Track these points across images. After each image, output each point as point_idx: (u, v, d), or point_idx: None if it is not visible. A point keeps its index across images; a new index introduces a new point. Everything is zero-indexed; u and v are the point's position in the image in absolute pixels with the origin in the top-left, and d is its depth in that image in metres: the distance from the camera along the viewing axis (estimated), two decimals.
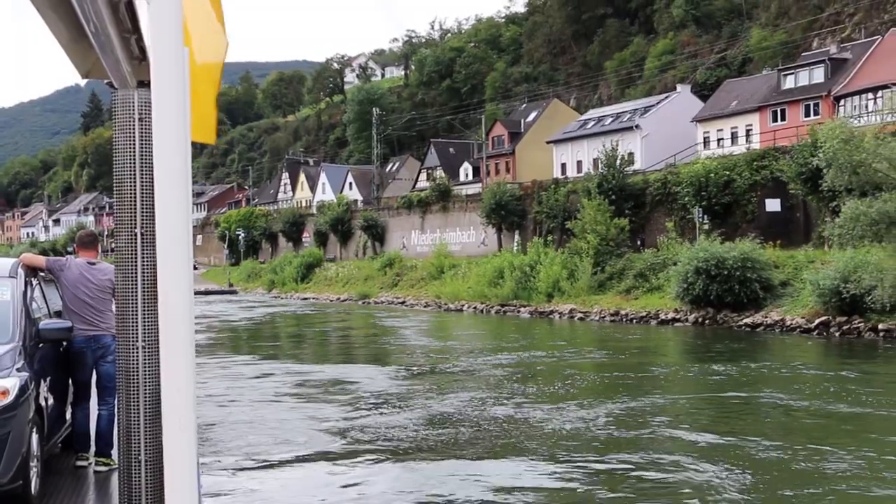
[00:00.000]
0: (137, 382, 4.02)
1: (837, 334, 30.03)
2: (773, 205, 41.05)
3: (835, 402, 18.70)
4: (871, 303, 27.22)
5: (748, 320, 33.86)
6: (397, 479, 13.14)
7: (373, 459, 14.42)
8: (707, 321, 35.36)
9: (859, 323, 29.31)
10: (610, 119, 72.13)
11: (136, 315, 4.07)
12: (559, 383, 22.08)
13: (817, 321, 30.86)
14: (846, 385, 20.49)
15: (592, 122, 73.77)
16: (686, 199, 44.14)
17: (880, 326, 28.21)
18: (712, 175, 43.18)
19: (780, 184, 39.95)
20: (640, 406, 18.71)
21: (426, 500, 12.34)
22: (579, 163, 69.49)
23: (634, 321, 38.58)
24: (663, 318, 37.33)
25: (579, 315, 41.43)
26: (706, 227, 41.51)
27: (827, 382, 21.02)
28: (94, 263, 7.97)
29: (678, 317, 36.71)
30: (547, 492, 12.83)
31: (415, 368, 25.90)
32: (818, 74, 57.07)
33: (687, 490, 12.38)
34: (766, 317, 33.46)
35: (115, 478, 5.84)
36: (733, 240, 37.18)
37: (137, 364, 4.00)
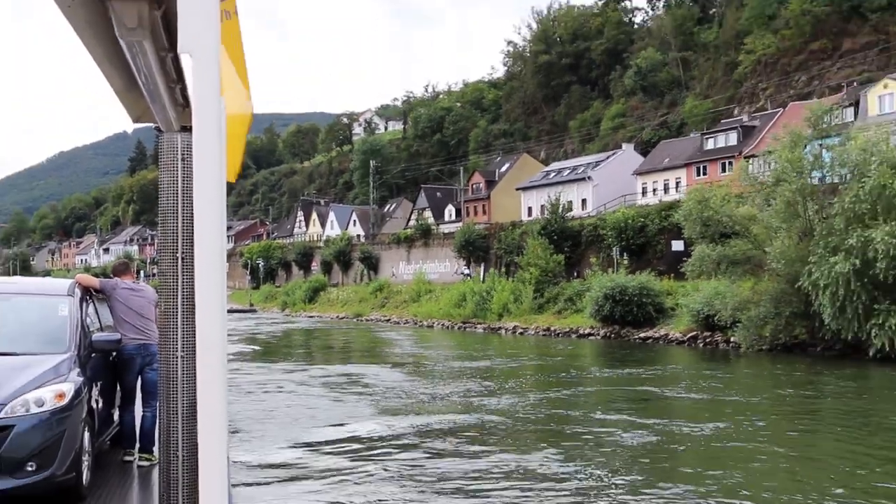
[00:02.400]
0: (177, 388, 3.95)
1: (702, 345, 33.40)
2: (677, 245, 43.46)
3: (698, 392, 20.98)
4: (717, 321, 31.13)
5: (642, 334, 36.94)
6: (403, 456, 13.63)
7: (380, 436, 15.25)
8: (613, 335, 38.11)
9: (717, 336, 32.76)
10: (568, 171, 74.08)
11: (177, 328, 4.02)
12: (509, 379, 23.96)
13: (689, 335, 34.40)
14: (706, 381, 23.16)
15: (553, 173, 75.61)
16: (609, 240, 47.04)
17: (731, 339, 31.40)
18: (630, 221, 46.24)
19: (680, 229, 43.92)
20: (562, 395, 20.66)
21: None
22: (542, 206, 69.90)
23: (560, 335, 41.06)
24: (582, 332, 40.07)
25: (520, 330, 43.95)
26: (625, 262, 44.33)
27: (693, 379, 23.64)
28: (136, 282, 8.14)
29: (592, 332, 39.45)
30: (491, 440, 14.79)
31: (403, 368, 27.21)
32: (732, 138, 60.10)
33: (595, 445, 14.15)
34: (656, 332, 36.60)
35: (156, 472, 5.73)
36: (639, 272, 40.07)
37: (177, 372, 3.95)
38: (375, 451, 14.03)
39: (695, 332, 34.32)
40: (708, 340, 33.48)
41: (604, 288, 38.39)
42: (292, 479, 12.26)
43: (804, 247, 27.80)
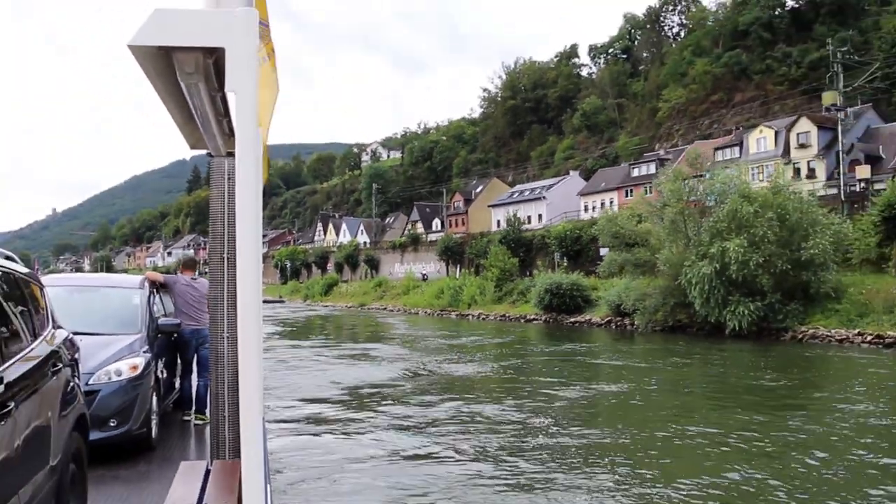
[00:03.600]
0: (224, 362, 3.91)
1: (614, 327, 34.29)
2: (604, 251, 44.33)
3: (611, 360, 22.11)
4: (624, 309, 32.72)
5: (573, 319, 37.72)
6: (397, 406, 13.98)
7: (383, 385, 15.97)
8: (551, 320, 38.57)
9: (626, 321, 33.71)
10: (528, 192, 74.94)
11: (224, 314, 3.97)
12: (476, 351, 24.70)
13: (606, 319, 35.36)
14: (617, 353, 24.37)
15: (517, 194, 76.45)
16: (553, 247, 48.39)
17: (634, 322, 32.60)
18: (568, 233, 47.53)
19: None
20: (514, 362, 21.46)
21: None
22: (508, 220, 73.06)
23: (513, 320, 41.25)
24: (529, 318, 40.53)
25: (483, 316, 44.21)
26: (564, 265, 45.67)
27: (608, 352, 24.80)
28: (195, 279, 7.86)
29: (536, 317, 39.96)
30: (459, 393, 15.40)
31: (397, 343, 28.16)
32: (652, 168, 60.72)
33: (537, 398, 14.60)
34: (583, 318, 37.38)
35: (208, 429, 5.58)
36: (574, 273, 41.29)
37: (224, 349, 3.90)
38: (379, 399, 14.53)
39: (610, 318, 35.24)
40: (619, 323, 34.42)
41: (545, 284, 39.07)
42: (315, 422, 12.64)
43: (683, 254, 29.35)
